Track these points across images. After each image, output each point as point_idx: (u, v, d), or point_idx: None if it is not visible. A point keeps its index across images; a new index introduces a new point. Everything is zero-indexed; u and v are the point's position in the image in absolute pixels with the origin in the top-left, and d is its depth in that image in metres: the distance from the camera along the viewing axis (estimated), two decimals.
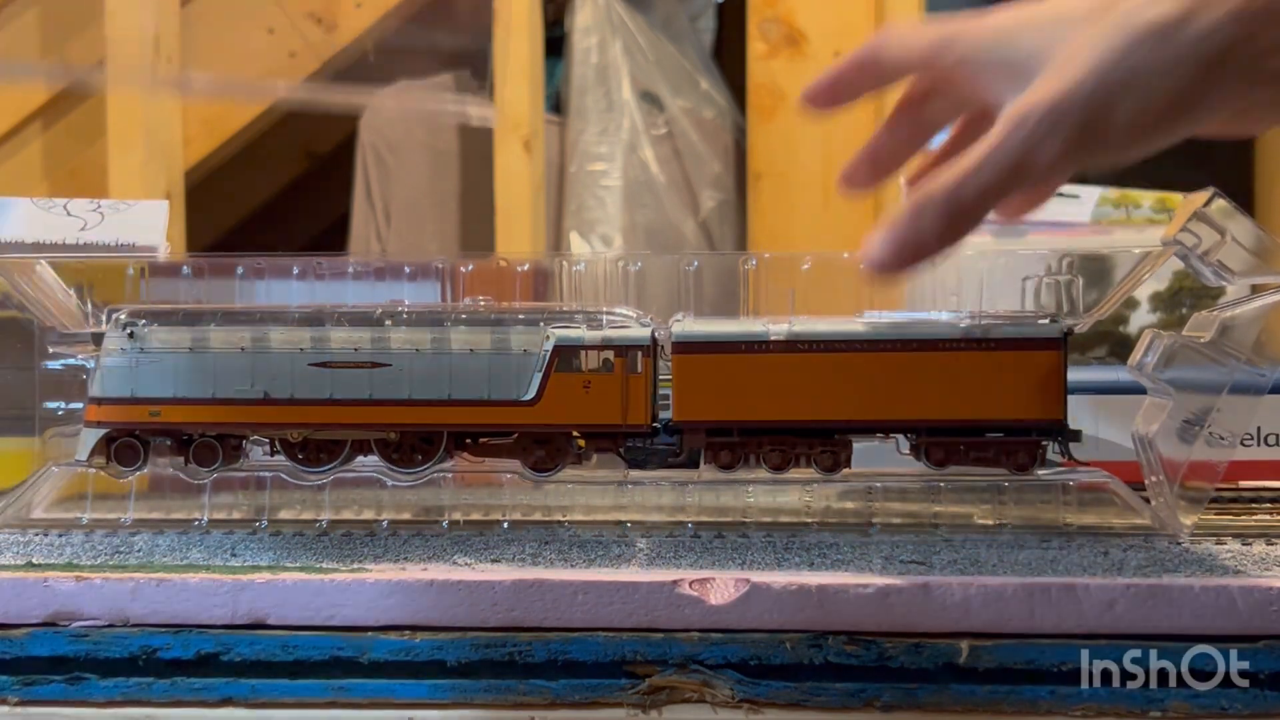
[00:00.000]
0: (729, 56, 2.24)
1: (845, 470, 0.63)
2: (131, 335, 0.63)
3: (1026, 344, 0.59)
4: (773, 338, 0.61)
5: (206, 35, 1.98)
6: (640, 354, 0.62)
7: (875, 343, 0.61)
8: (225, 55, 1.98)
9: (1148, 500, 0.63)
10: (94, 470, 0.64)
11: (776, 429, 0.62)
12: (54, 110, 2.02)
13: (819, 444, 0.62)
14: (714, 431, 0.63)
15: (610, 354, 0.62)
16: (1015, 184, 0.52)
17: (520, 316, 0.63)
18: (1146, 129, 0.52)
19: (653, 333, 0.62)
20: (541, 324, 0.62)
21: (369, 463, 0.65)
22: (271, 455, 0.65)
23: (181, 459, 0.64)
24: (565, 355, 0.62)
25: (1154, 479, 0.62)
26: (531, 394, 0.62)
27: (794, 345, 0.61)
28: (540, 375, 0.62)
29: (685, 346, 0.62)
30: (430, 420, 0.62)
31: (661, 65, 2.10)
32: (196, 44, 1.97)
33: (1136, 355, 0.63)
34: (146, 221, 0.78)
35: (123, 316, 0.63)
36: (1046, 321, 0.61)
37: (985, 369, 0.60)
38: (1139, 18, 0.51)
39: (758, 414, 0.62)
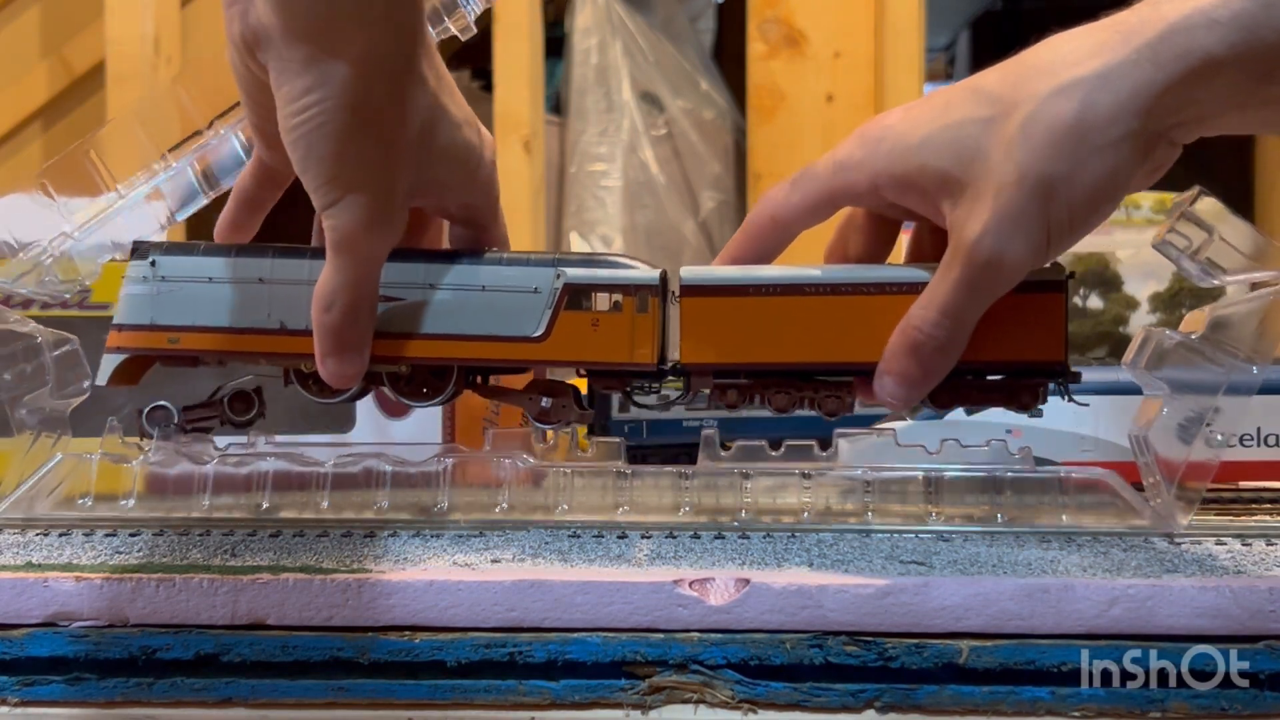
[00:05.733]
0: (729, 57, 2.24)
1: (840, 466, 0.64)
2: (154, 264, 0.64)
3: (1029, 286, 0.59)
4: (778, 281, 0.61)
5: (206, 35, 1.98)
6: (649, 294, 0.63)
7: (881, 285, 0.61)
8: (225, 55, 1.98)
9: (1147, 500, 0.63)
10: (95, 460, 0.65)
11: (782, 371, 0.63)
12: (54, 110, 2.02)
13: (824, 387, 0.63)
14: (721, 374, 0.63)
15: (619, 294, 0.62)
16: (984, 308, 0.57)
17: (532, 257, 0.63)
18: (1092, 214, 0.55)
19: (662, 274, 0.63)
20: (553, 264, 0.63)
21: (370, 447, 0.66)
22: (285, 386, 0.66)
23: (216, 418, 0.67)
24: (575, 294, 0.62)
25: (1151, 479, 0.62)
26: (540, 330, 0.62)
27: (800, 289, 0.61)
28: (550, 312, 0.62)
29: (693, 290, 0.62)
30: (441, 354, 0.63)
31: (661, 66, 2.10)
32: (196, 44, 1.97)
33: (1130, 353, 0.63)
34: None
35: (145, 247, 0.65)
36: None
37: (989, 310, 0.59)
38: (1040, 124, 0.54)
39: (764, 357, 0.62)
